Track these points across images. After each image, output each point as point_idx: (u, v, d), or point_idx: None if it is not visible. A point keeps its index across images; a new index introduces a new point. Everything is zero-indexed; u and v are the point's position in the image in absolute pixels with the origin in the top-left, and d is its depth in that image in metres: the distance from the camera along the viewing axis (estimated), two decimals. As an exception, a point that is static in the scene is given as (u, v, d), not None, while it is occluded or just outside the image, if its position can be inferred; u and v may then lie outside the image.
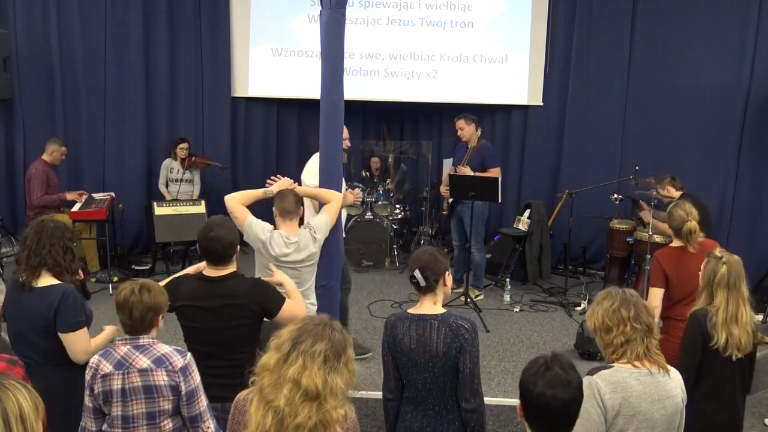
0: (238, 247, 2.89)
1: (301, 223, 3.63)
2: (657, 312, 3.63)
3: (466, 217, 6.17)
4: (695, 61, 6.89)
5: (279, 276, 3.07)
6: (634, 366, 2.27)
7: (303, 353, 1.81)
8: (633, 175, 6.10)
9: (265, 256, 3.46)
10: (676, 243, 3.75)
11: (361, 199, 4.98)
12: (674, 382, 2.30)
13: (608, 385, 2.21)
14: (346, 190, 4.88)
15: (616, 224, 6.43)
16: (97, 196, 6.78)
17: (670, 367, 2.33)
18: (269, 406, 1.80)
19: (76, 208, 6.40)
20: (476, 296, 6.21)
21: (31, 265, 2.80)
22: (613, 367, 2.29)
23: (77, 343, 2.80)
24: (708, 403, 2.88)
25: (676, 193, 5.89)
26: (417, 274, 2.60)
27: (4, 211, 6.94)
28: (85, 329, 2.83)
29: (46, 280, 2.81)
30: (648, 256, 5.69)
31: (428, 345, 2.53)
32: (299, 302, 3.01)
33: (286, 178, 3.75)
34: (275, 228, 3.53)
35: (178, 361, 2.46)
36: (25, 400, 1.51)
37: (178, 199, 7.01)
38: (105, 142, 7.51)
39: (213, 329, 2.80)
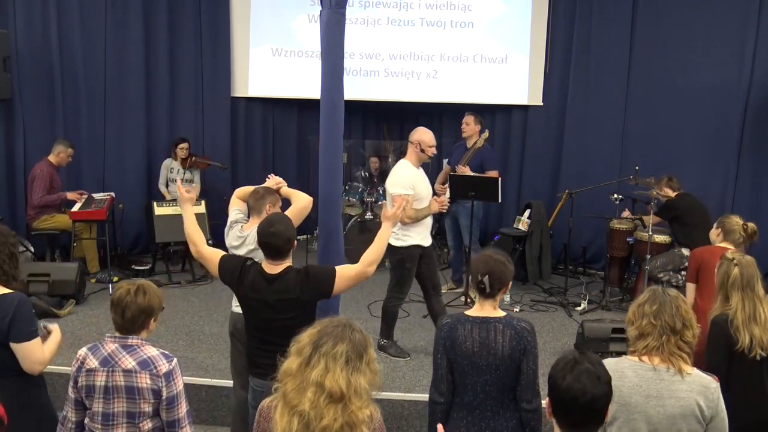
0: (295, 242, 3.02)
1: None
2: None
3: (461, 217, 6.18)
4: (695, 61, 6.89)
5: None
6: (641, 360, 2.30)
7: (324, 355, 1.81)
8: (633, 175, 6.10)
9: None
10: (724, 244, 3.91)
11: (446, 206, 4.99)
12: (687, 386, 2.26)
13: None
14: (432, 197, 4.90)
15: (616, 224, 6.43)
16: (97, 196, 6.79)
17: (696, 372, 2.29)
18: (294, 410, 1.80)
19: (76, 208, 6.41)
20: (475, 296, 6.19)
21: None
22: (622, 357, 2.33)
23: (34, 353, 2.61)
24: (739, 407, 2.81)
25: (673, 194, 5.91)
26: (486, 280, 2.61)
27: (4, 211, 6.93)
28: (39, 339, 2.65)
29: None
30: (648, 256, 5.71)
31: (492, 347, 2.55)
32: (346, 266, 3.08)
33: (275, 177, 3.77)
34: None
35: (163, 366, 2.46)
36: None
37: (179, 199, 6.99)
38: (105, 142, 7.51)
39: (271, 319, 2.92)
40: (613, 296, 6.34)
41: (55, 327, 2.83)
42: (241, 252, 3.42)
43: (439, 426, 2.07)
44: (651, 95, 7.20)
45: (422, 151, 4.77)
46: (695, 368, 2.32)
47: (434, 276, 4.93)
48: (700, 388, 2.26)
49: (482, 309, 2.66)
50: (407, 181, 4.68)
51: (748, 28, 6.57)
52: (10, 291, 2.65)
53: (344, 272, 2.98)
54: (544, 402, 1.96)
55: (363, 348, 1.87)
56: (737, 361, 2.88)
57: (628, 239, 6.28)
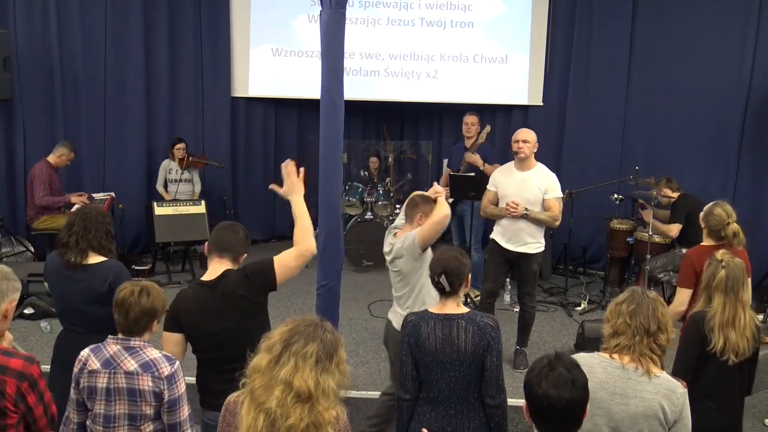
0: (244, 256, 2.86)
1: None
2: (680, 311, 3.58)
3: (467, 216, 6.18)
4: (695, 61, 6.89)
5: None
6: (611, 357, 2.33)
7: (295, 354, 1.80)
8: (633, 175, 6.10)
9: None
10: (709, 242, 3.73)
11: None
12: (654, 388, 2.26)
13: None
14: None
15: (616, 224, 6.43)
16: (97, 196, 6.78)
17: (664, 376, 2.30)
18: (261, 408, 1.79)
19: (76, 208, 6.40)
20: (476, 296, 6.20)
21: (81, 249, 3.10)
22: (594, 353, 2.36)
23: None
24: (703, 404, 2.86)
25: (674, 194, 5.90)
26: (443, 280, 2.62)
27: (4, 211, 6.93)
28: None
29: (95, 258, 3.13)
30: (648, 256, 5.71)
31: (455, 344, 2.56)
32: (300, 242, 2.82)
33: (437, 186, 3.55)
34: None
35: (165, 369, 2.46)
36: None
37: (178, 199, 7.01)
38: (105, 142, 7.51)
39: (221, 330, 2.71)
40: (613, 296, 6.31)
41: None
42: (388, 259, 3.48)
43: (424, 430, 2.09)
44: (651, 95, 7.20)
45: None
46: (664, 372, 2.33)
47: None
48: (666, 391, 2.27)
49: (445, 306, 2.67)
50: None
51: (748, 28, 6.57)
52: (106, 259, 3.15)
53: (283, 260, 2.76)
54: (522, 403, 1.96)
55: (333, 349, 1.86)
56: (707, 361, 2.88)
57: (628, 239, 6.28)
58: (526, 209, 4.52)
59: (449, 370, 2.58)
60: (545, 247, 6.74)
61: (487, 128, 6.21)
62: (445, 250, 2.71)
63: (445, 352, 2.57)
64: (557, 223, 4.57)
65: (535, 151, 4.66)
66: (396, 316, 3.46)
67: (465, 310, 2.67)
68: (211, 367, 2.74)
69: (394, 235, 3.54)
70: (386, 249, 3.54)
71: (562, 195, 4.65)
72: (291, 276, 2.79)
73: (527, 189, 4.58)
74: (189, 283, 5.18)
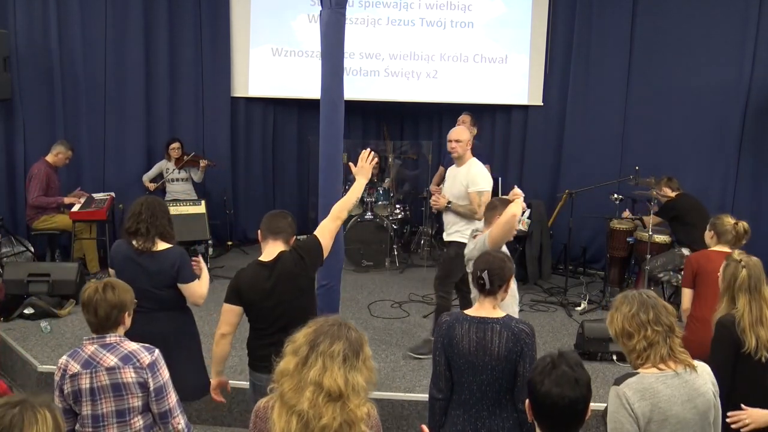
0: (294, 238, 3.19)
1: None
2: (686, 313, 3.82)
3: None
4: (695, 61, 6.89)
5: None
6: (659, 369, 2.24)
7: (322, 354, 1.81)
8: (633, 175, 6.10)
9: None
10: (718, 248, 3.89)
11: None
12: (702, 378, 2.28)
13: (636, 393, 2.18)
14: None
15: (616, 224, 6.43)
16: (97, 196, 6.78)
17: (697, 363, 2.30)
18: (292, 410, 1.79)
19: (76, 208, 6.40)
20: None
21: (151, 236, 3.34)
22: (638, 373, 2.25)
23: (198, 290, 3.40)
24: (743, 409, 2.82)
25: (672, 194, 5.91)
26: (485, 276, 2.62)
27: (4, 211, 6.93)
28: (198, 280, 3.42)
29: (161, 245, 3.36)
30: (648, 256, 5.71)
31: (489, 348, 2.56)
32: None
33: (517, 189, 3.61)
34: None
35: (146, 358, 2.47)
36: (50, 425, 1.50)
37: (178, 199, 7.00)
38: (105, 142, 7.51)
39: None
40: (613, 296, 6.32)
41: (202, 265, 3.50)
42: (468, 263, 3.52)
43: (423, 426, 2.09)
44: (651, 95, 7.19)
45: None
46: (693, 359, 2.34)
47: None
48: (708, 375, 2.30)
49: (481, 308, 2.67)
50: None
51: (748, 27, 6.57)
52: (171, 246, 3.39)
53: (323, 230, 3.21)
54: (527, 403, 1.97)
55: (359, 346, 1.87)
56: (742, 363, 2.87)
57: (628, 239, 6.28)
58: (449, 202, 4.78)
59: (481, 373, 2.58)
60: (545, 247, 6.85)
61: (474, 130, 6.19)
62: (492, 252, 2.78)
63: (478, 355, 2.57)
64: (477, 215, 4.58)
65: (469, 148, 4.84)
66: None
67: (501, 314, 2.66)
68: (263, 336, 3.06)
69: (474, 237, 3.59)
70: (466, 252, 3.62)
71: (485, 189, 4.67)
72: (333, 239, 3.24)
73: (455, 185, 4.82)
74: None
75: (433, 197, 4.94)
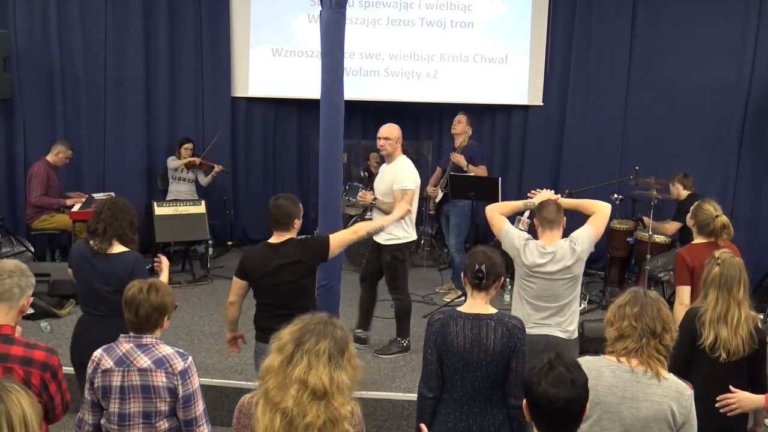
0: (298, 221, 3.42)
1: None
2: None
3: (452, 216, 6.19)
4: (695, 61, 6.89)
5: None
6: (619, 361, 2.30)
7: (307, 352, 1.82)
8: (633, 175, 6.10)
9: (519, 265, 3.43)
10: (700, 239, 3.78)
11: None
12: (663, 390, 2.26)
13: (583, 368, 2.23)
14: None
15: (616, 224, 6.42)
16: (97, 196, 6.78)
17: (672, 378, 2.29)
18: (276, 408, 1.80)
19: (76, 208, 6.40)
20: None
21: (107, 237, 3.29)
22: (600, 356, 2.34)
23: None
24: (700, 408, 2.84)
25: (684, 192, 5.89)
26: (483, 267, 2.64)
27: (4, 211, 6.93)
28: None
29: (117, 248, 3.32)
30: (648, 256, 5.70)
31: (484, 344, 2.57)
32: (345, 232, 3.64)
33: (546, 189, 3.70)
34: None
35: (178, 364, 2.47)
36: (28, 405, 1.52)
37: (179, 199, 7.00)
38: (105, 142, 7.50)
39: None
40: (613, 296, 6.28)
41: (164, 266, 3.47)
42: (552, 269, 3.34)
43: (422, 425, 2.10)
44: (651, 95, 7.19)
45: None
46: (671, 373, 2.33)
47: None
48: (675, 393, 2.27)
49: (474, 304, 2.67)
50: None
51: (748, 27, 6.57)
52: (127, 249, 3.35)
53: (338, 237, 3.52)
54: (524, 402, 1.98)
55: (344, 344, 1.88)
56: (699, 357, 2.87)
57: (628, 239, 6.27)
58: (374, 199, 4.82)
59: (476, 369, 2.59)
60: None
61: (468, 131, 6.19)
62: (488, 249, 2.77)
63: (473, 351, 2.58)
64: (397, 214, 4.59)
65: (399, 146, 4.89)
66: (558, 328, 3.40)
67: (493, 310, 2.67)
68: (266, 310, 3.42)
69: (543, 245, 3.37)
70: (541, 261, 3.34)
71: (409, 187, 4.67)
72: (343, 248, 3.56)
73: (383, 182, 4.87)
74: (189, 284, 5.81)
75: (360, 193, 5.07)
